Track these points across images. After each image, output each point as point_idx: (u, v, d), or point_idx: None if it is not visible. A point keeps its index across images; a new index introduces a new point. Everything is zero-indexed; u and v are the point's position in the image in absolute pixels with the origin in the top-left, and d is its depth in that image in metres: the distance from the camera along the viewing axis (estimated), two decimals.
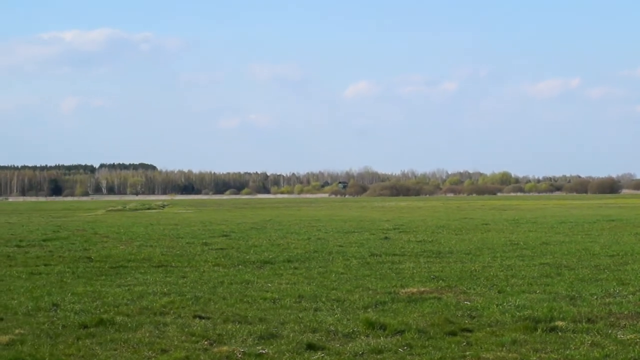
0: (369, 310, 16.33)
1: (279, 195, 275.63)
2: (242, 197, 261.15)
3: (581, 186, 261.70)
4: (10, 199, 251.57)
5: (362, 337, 13.70)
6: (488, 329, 14.36)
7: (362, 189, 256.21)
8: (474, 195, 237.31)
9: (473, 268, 23.95)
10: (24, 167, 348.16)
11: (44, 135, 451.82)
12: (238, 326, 14.55)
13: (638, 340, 13.34)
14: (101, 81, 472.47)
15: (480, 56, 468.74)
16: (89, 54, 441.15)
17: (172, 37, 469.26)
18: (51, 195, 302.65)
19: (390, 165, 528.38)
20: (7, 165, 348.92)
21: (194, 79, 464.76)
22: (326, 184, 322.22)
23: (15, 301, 17.61)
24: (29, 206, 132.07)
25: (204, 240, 36.23)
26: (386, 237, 37.41)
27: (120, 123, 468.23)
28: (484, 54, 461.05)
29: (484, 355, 12.49)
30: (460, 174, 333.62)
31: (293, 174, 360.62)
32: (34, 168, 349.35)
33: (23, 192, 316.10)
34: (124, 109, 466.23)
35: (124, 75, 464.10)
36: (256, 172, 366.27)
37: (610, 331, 14.06)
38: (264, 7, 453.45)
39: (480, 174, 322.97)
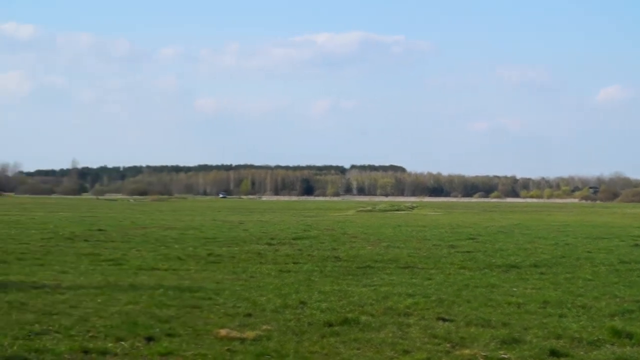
0: (615, 318, 15.85)
1: (528, 200, 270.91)
2: (491, 200, 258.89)
3: None
4: (264, 198, 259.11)
5: (607, 346, 13.32)
6: None
7: (614, 195, 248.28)
8: None
9: None
10: (277, 167, 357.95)
11: (296, 135, 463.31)
12: (481, 330, 14.46)
13: None
14: (352, 83, 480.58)
15: None
16: (340, 56, 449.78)
17: (423, 40, 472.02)
18: (303, 194, 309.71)
19: None
20: (261, 165, 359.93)
21: (444, 81, 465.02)
22: (576, 189, 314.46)
23: (264, 298, 18.09)
24: (282, 205, 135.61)
25: (451, 243, 36.18)
26: (637, 245, 36.20)
27: (370, 124, 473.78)
28: None
29: None
30: None
31: (542, 178, 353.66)
32: (287, 168, 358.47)
33: (276, 192, 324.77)
34: (373, 111, 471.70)
35: (375, 78, 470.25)
36: (505, 176, 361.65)
37: None
38: (512, 11, 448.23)
39: None
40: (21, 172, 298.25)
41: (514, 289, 20.21)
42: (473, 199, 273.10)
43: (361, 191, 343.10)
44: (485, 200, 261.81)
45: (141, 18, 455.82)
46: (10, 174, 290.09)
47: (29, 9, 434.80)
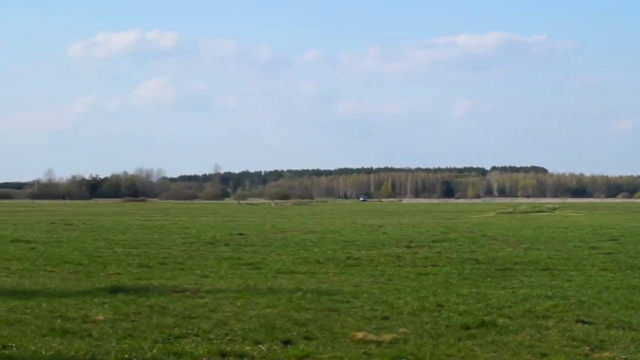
0: None
1: None
2: (635, 200, 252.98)
3: None
4: (404, 201, 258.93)
5: None
6: None
7: None
8: None
9: None
10: (418, 170, 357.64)
11: (436, 137, 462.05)
12: (621, 332, 14.13)
13: None
14: (492, 84, 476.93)
15: None
16: (481, 57, 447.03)
17: (565, 39, 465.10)
18: (443, 197, 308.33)
19: None
20: (401, 167, 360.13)
21: (586, 80, 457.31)
22: None
23: (402, 301, 18.03)
24: (421, 208, 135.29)
25: (592, 244, 35.52)
26: None
27: (511, 125, 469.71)
28: None
29: None
30: None
31: None
32: (427, 170, 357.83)
33: (416, 194, 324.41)
34: (514, 111, 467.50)
35: (515, 78, 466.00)
36: None
37: None
38: None
39: None
40: (165, 178, 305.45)
41: None
42: (616, 200, 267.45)
43: (502, 193, 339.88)
44: (630, 200, 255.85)
45: (283, 24, 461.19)
46: (154, 179, 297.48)
47: (172, 17, 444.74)
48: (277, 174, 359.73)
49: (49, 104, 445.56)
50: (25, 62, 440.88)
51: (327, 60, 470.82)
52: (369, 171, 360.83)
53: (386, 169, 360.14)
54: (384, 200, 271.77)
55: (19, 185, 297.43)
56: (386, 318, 15.77)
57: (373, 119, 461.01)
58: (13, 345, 12.73)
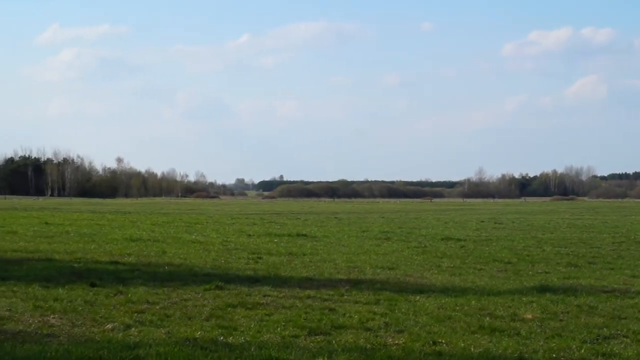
0: None
1: None
2: None
3: None
4: None
5: None
6: None
7: None
8: None
9: None
10: None
11: None
12: None
13: None
14: None
15: None
16: None
17: None
18: None
19: None
20: None
21: None
22: None
23: None
24: None
25: None
26: None
27: None
28: None
29: None
30: None
31: None
32: None
33: None
34: None
35: None
36: None
37: None
38: None
39: None
40: (595, 176, 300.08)
41: None
42: None
43: None
44: None
45: None
46: (583, 178, 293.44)
47: (607, 13, 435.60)
48: None
49: (481, 103, 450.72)
50: (460, 63, 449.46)
51: None
52: None
53: None
54: None
55: (451, 184, 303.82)
56: None
57: None
58: (443, 341, 13.20)
